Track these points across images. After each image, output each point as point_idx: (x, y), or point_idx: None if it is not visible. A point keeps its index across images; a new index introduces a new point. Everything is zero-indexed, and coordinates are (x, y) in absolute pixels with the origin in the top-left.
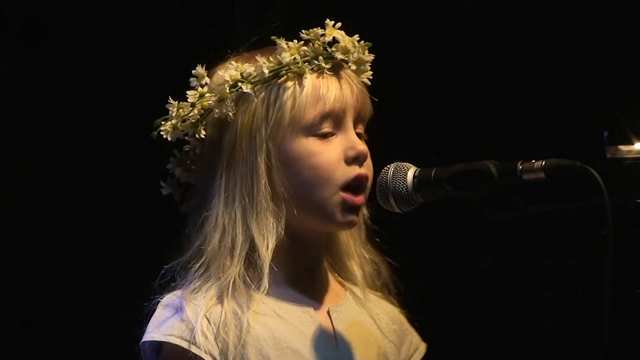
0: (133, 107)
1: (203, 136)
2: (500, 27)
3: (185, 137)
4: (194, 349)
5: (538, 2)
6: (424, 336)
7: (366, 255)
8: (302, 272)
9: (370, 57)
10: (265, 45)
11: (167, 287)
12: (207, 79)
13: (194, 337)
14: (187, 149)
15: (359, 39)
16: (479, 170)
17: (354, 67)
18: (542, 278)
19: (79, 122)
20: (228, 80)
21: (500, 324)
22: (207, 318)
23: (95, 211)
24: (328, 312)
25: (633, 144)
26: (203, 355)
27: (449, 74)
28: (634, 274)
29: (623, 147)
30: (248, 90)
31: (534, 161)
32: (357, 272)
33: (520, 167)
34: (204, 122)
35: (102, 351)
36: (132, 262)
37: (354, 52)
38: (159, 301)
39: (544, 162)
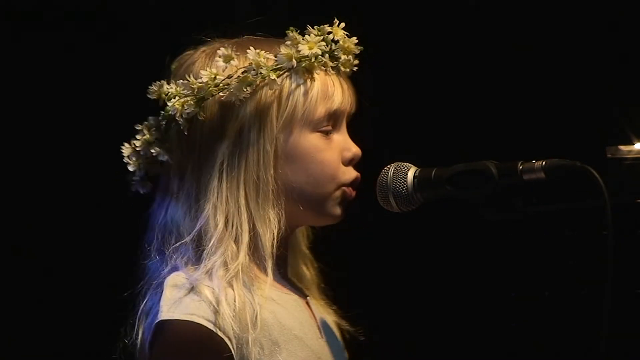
0: (130, 103)
1: (202, 118)
2: (500, 27)
3: (177, 117)
4: (219, 332)
5: (538, 2)
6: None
7: (310, 257)
8: (284, 264)
9: (357, 62)
10: (256, 34)
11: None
12: (235, 60)
13: (217, 319)
14: (162, 125)
15: (357, 41)
16: (479, 171)
17: (343, 68)
18: (542, 278)
19: (72, 116)
20: (254, 66)
21: (500, 323)
22: (225, 300)
23: (81, 199)
24: (307, 303)
25: (633, 144)
26: (225, 337)
27: (449, 74)
28: (634, 274)
29: (623, 147)
30: (276, 79)
31: (534, 161)
32: (306, 271)
33: (521, 167)
34: (203, 105)
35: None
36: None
37: (352, 54)
38: (153, 283)
39: (544, 162)
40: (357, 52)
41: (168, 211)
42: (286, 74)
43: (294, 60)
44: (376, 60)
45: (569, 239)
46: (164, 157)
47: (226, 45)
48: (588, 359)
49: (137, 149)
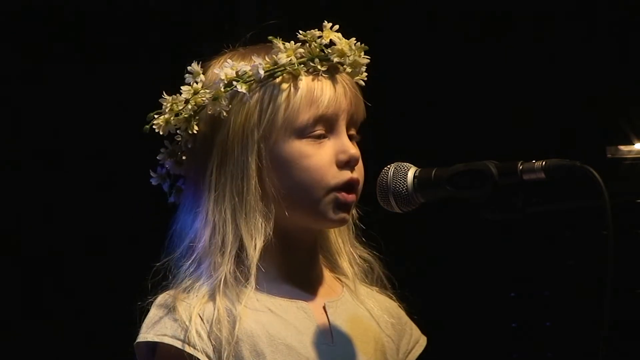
0: (131, 105)
1: (195, 132)
2: (500, 27)
3: (178, 132)
4: (187, 349)
5: (537, 2)
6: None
7: (355, 253)
8: (295, 270)
9: (366, 61)
10: (263, 42)
11: (160, 285)
12: (202, 76)
13: (188, 337)
14: (178, 140)
15: (355, 41)
16: (479, 171)
17: (349, 69)
18: (542, 278)
19: (71, 120)
20: (223, 79)
21: (500, 323)
22: (200, 316)
23: (86, 209)
24: (324, 307)
25: (633, 144)
26: (197, 354)
27: (449, 74)
28: (634, 274)
29: (623, 147)
30: (243, 90)
31: (534, 161)
32: (348, 269)
33: (521, 167)
34: (197, 118)
35: (98, 351)
36: (125, 260)
37: (350, 55)
38: (152, 301)
39: (544, 162)
40: (350, 54)
41: (178, 223)
42: (269, 82)
43: (261, 71)
44: (375, 60)
45: (569, 239)
46: (175, 171)
47: (230, 57)
48: (588, 359)
49: (160, 162)
